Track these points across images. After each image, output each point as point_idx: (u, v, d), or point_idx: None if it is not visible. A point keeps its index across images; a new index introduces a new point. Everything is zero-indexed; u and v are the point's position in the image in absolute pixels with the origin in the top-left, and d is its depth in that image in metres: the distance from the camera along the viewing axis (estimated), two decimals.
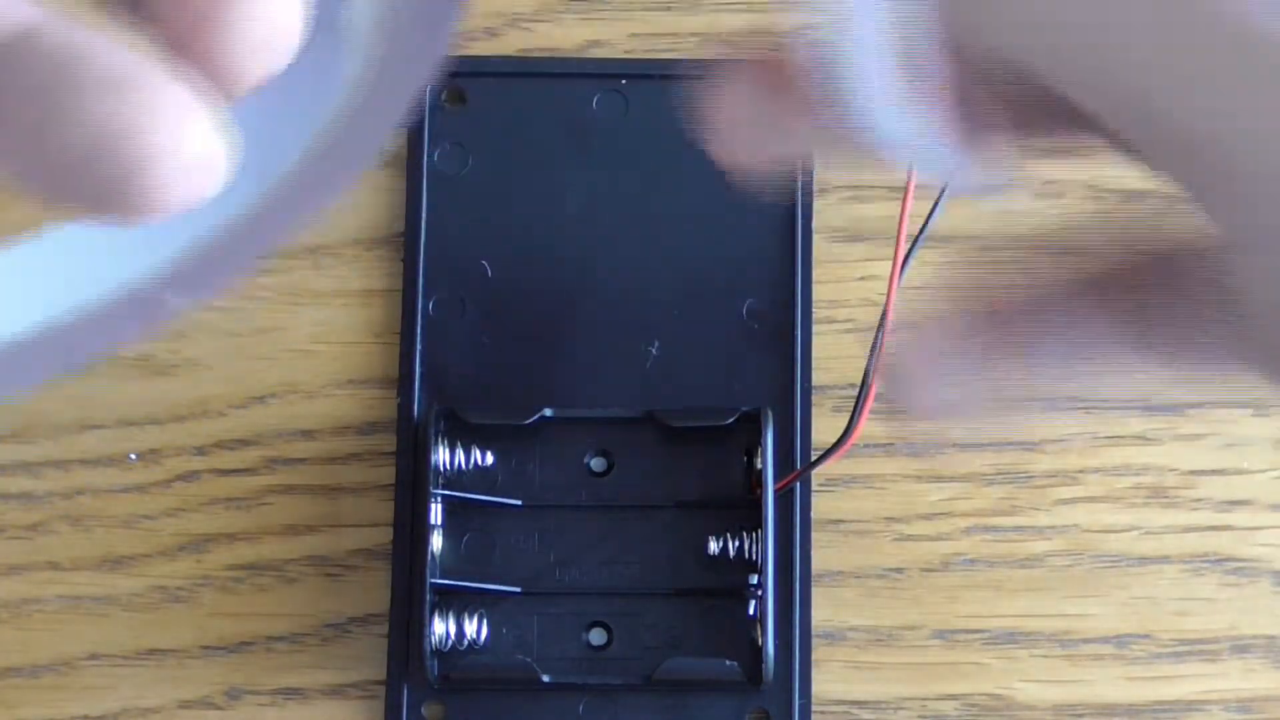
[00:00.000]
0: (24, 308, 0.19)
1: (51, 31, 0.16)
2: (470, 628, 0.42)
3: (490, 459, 0.43)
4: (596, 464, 0.44)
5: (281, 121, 0.19)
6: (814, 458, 0.43)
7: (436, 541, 0.43)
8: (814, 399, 0.44)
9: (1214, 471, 0.44)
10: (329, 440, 0.44)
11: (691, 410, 0.43)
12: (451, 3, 0.19)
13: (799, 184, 0.45)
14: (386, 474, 0.44)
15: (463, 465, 0.43)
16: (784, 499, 0.43)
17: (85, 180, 0.16)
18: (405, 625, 0.43)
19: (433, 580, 0.42)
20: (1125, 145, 0.20)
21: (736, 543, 0.42)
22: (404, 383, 0.44)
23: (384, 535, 0.44)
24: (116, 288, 0.19)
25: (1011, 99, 0.21)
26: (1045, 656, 0.43)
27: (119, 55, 0.16)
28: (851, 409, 0.42)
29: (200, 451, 0.44)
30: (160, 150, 0.16)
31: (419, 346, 0.44)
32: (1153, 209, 0.21)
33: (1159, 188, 0.20)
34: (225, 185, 0.17)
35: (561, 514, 0.43)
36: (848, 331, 0.45)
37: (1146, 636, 0.43)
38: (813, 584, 0.43)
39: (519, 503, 0.43)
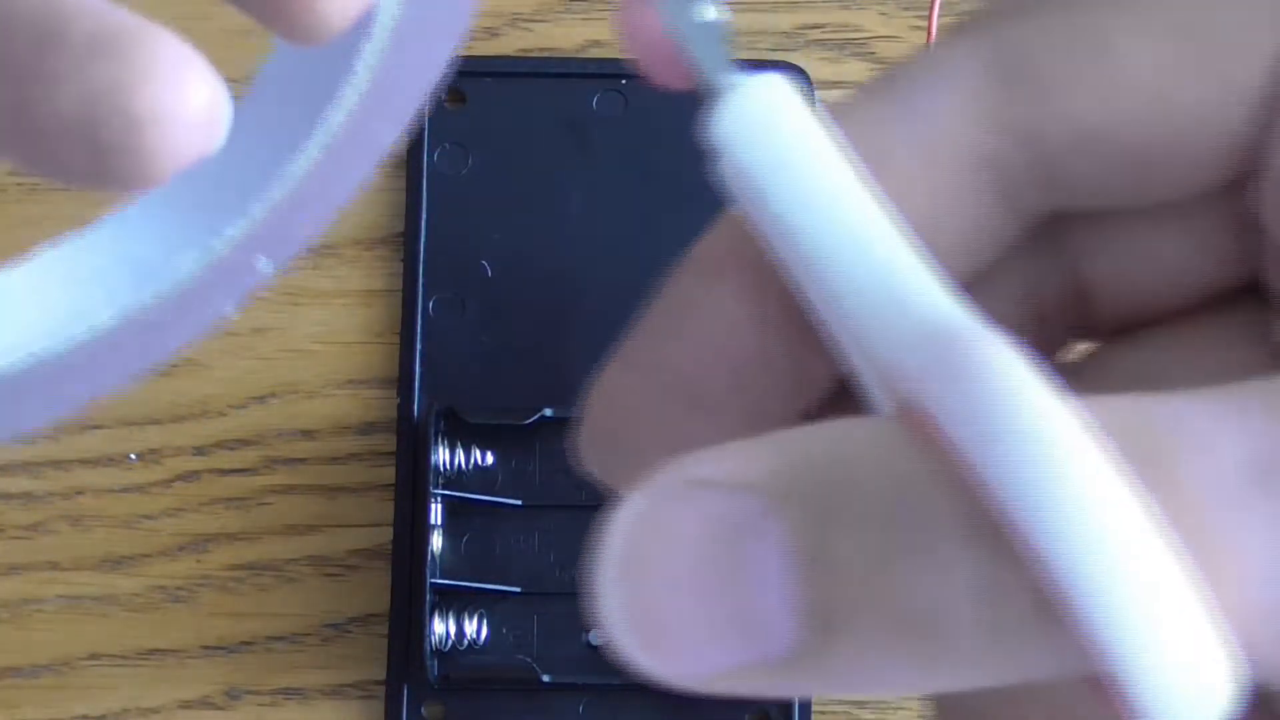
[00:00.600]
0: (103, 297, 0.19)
1: None
2: (470, 628, 0.42)
3: (490, 459, 0.43)
4: None
5: (330, 72, 0.19)
6: None
7: (436, 541, 0.43)
8: None
9: None
10: (329, 440, 0.44)
11: None
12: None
13: None
14: (386, 474, 0.44)
15: (463, 465, 0.43)
16: None
17: (81, 146, 0.15)
18: (405, 625, 0.43)
19: (433, 580, 0.42)
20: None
21: None
22: (404, 383, 0.44)
23: (384, 535, 0.44)
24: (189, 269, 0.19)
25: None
26: None
27: (107, 13, 0.15)
28: None
29: (200, 451, 0.44)
30: (157, 109, 0.15)
31: (419, 346, 0.44)
32: None
33: None
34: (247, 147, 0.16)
35: (561, 514, 0.43)
36: None
37: None
38: None
39: (519, 503, 0.43)
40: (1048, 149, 0.18)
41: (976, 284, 0.19)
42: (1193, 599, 0.14)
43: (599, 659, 0.43)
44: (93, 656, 0.43)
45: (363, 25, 0.18)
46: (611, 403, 0.20)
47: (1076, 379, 0.15)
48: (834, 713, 0.43)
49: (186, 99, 0.15)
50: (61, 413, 0.19)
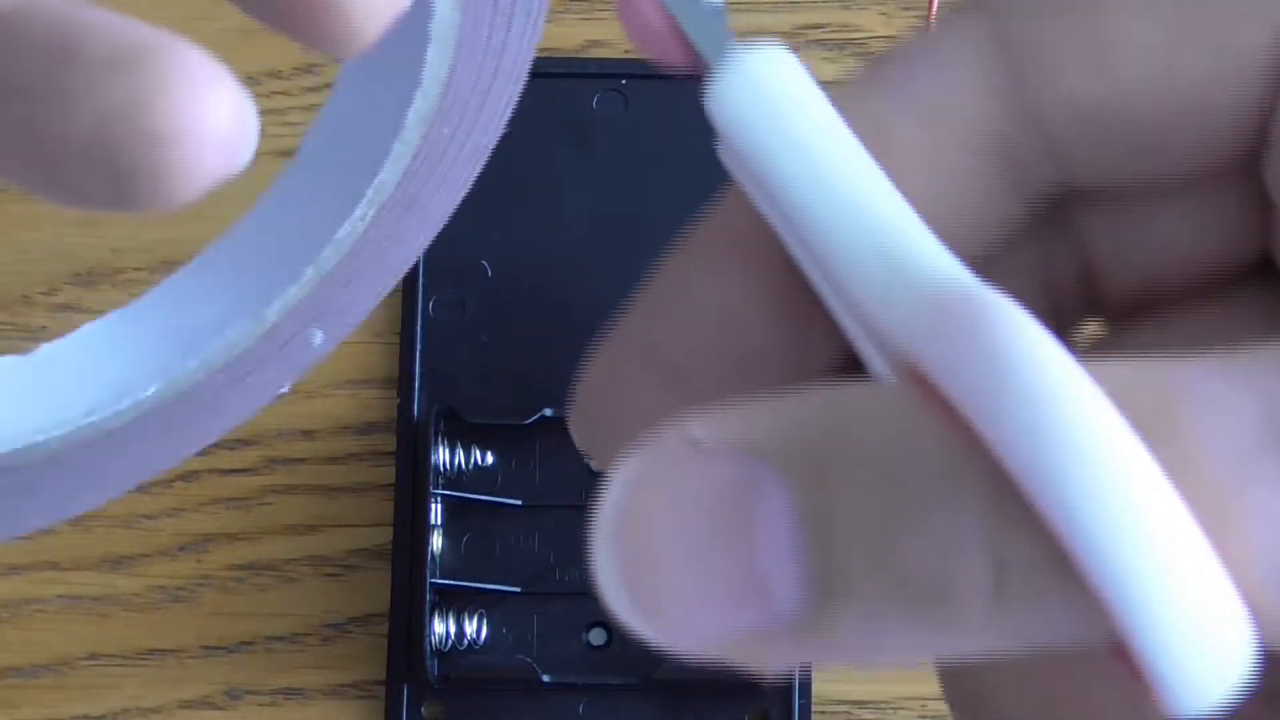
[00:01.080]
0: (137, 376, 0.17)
1: (47, 5, 0.15)
2: (470, 628, 0.42)
3: (490, 459, 0.43)
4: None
5: (381, 129, 0.18)
6: None
7: (436, 541, 0.43)
8: None
9: None
10: (329, 440, 0.44)
11: None
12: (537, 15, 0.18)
13: None
14: (386, 474, 0.44)
15: (463, 465, 0.43)
16: None
17: (97, 168, 0.14)
18: (405, 625, 0.43)
19: (433, 580, 0.42)
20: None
21: None
22: (404, 383, 0.44)
23: (384, 535, 0.44)
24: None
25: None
26: None
27: (125, 26, 0.14)
28: None
29: (200, 451, 0.44)
30: (178, 124, 0.14)
31: (419, 346, 0.44)
32: None
33: None
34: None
35: (561, 514, 0.43)
36: None
37: None
38: None
39: (519, 503, 0.43)
40: (1051, 127, 0.18)
41: (985, 266, 0.18)
42: (1210, 559, 0.14)
43: (599, 659, 0.43)
44: (93, 656, 0.43)
45: (411, 77, 0.17)
46: (602, 386, 0.19)
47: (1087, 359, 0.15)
48: (834, 712, 0.43)
49: (210, 114, 0.14)
50: (109, 494, 0.18)
